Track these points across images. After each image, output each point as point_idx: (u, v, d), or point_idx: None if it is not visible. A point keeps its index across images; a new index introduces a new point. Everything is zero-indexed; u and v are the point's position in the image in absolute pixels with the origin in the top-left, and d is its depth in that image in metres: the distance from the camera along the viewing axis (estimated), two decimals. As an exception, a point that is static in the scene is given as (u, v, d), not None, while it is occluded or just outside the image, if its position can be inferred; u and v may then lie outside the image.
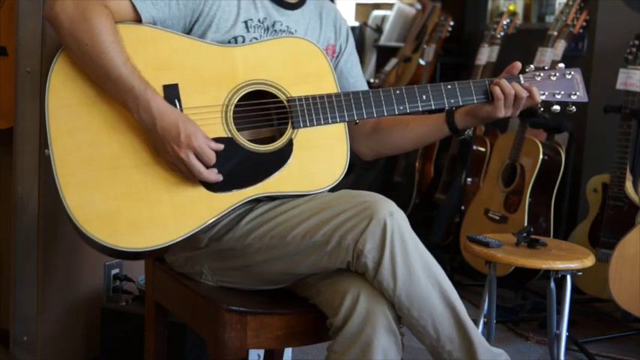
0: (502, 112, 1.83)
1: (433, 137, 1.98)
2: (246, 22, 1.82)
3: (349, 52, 2.02)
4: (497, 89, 1.82)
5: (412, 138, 1.97)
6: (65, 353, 2.39)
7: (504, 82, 1.83)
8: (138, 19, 1.72)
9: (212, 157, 1.68)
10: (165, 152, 1.66)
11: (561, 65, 1.92)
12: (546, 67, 1.91)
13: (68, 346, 2.40)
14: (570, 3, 3.55)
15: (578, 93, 1.89)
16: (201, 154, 1.66)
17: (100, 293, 2.46)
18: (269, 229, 1.72)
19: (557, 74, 1.89)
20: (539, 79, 1.87)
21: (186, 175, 1.68)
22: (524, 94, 1.83)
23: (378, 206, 1.63)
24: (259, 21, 1.84)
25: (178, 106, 1.70)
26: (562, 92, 1.88)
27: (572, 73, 1.90)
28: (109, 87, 1.66)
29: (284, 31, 1.87)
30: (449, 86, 1.83)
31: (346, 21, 2.05)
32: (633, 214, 3.05)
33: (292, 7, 1.91)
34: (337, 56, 1.99)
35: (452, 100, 1.83)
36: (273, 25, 1.86)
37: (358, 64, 2.05)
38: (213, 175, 1.68)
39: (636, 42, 3.13)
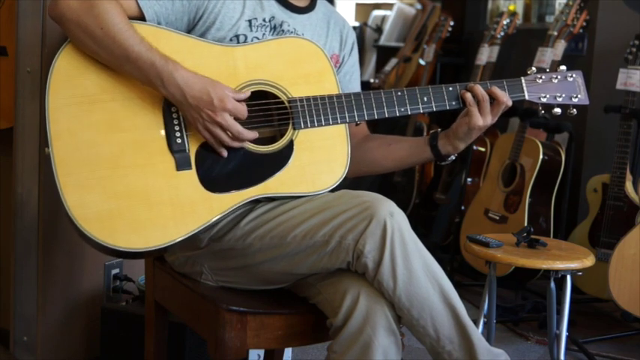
0: (480, 120, 1.80)
1: (415, 159, 1.95)
2: (250, 21, 1.82)
3: (351, 65, 2.01)
4: (468, 95, 1.80)
5: (394, 157, 1.95)
6: (65, 353, 2.39)
7: (478, 88, 1.80)
8: (141, 16, 1.72)
9: (245, 112, 1.70)
10: (200, 119, 1.67)
11: (563, 67, 1.91)
12: (547, 69, 1.90)
13: (68, 346, 2.40)
14: (570, 3, 3.55)
15: (579, 96, 1.89)
16: (236, 112, 1.67)
17: (100, 293, 2.46)
18: (269, 229, 1.72)
19: (559, 77, 1.88)
20: (540, 81, 1.87)
21: (220, 141, 1.68)
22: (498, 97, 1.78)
23: (378, 206, 1.63)
24: (264, 20, 1.84)
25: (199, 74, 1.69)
26: (563, 95, 1.88)
27: (574, 75, 1.90)
28: (128, 68, 1.67)
29: (291, 31, 1.87)
30: (450, 88, 1.83)
31: (354, 34, 2.04)
32: (633, 214, 3.05)
33: (299, 10, 1.90)
34: (339, 67, 1.98)
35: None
36: (281, 25, 1.86)
37: (358, 80, 2.03)
38: (251, 133, 1.71)
39: (636, 42, 3.13)
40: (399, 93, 1.80)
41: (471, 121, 1.80)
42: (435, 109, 1.82)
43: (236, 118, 1.69)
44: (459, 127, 1.83)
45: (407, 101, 1.80)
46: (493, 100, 1.81)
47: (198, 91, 1.66)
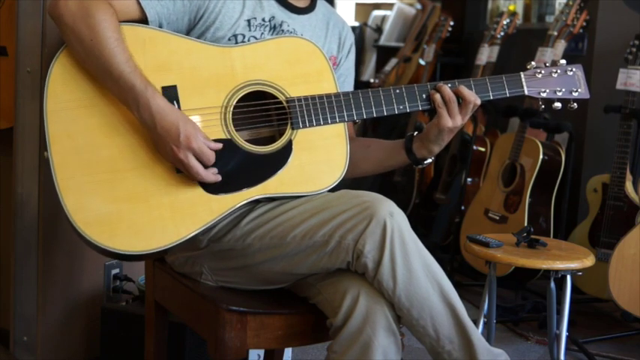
0: (449, 122, 1.78)
1: (393, 162, 1.92)
2: (248, 21, 1.82)
3: (346, 68, 2.00)
4: (437, 96, 1.78)
5: (372, 160, 1.93)
6: (65, 353, 2.39)
7: (445, 88, 1.78)
8: (143, 17, 1.72)
9: (211, 158, 1.67)
10: (165, 152, 1.66)
11: (563, 62, 1.89)
12: (547, 64, 1.89)
13: (68, 346, 2.40)
14: (570, 3, 3.55)
15: (579, 90, 1.88)
16: (200, 154, 1.66)
17: (100, 293, 2.46)
18: (269, 229, 1.72)
19: (559, 71, 1.87)
20: (540, 76, 1.86)
21: (187, 175, 1.68)
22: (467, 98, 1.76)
23: (378, 206, 1.63)
24: (263, 20, 1.84)
25: (177, 108, 1.70)
26: (563, 89, 1.87)
27: (574, 69, 1.88)
28: (110, 85, 1.66)
29: (290, 32, 1.86)
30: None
31: (353, 37, 2.03)
32: (633, 214, 3.05)
33: (299, 11, 1.90)
34: (335, 69, 1.95)
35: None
36: (280, 25, 1.85)
37: (351, 83, 2.02)
38: (212, 176, 1.68)
39: (636, 42, 3.13)
40: (397, 91, 1.80)
41: (439, 122, 1.78)
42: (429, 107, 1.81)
43: (202, 161, 1.66)
44: (430, 130, 1.81)
45: (405, 99, 1.80)
46: (461, 100, 1.79)
47: (169, 123, 1.64)
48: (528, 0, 4.82)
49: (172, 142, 1.64)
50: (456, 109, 1.78)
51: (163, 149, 1.66)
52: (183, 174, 1.68)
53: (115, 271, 2.49)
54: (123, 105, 1.67)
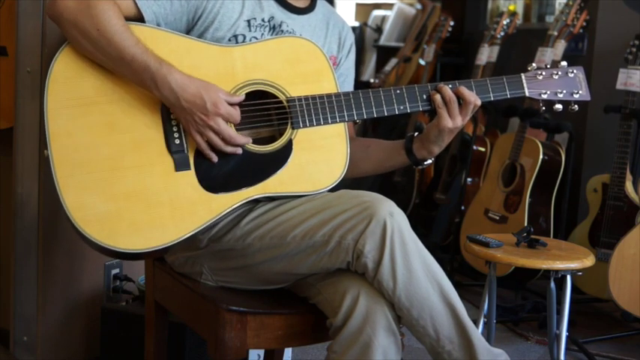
0: (450, 122, 1.78)
1: (393, 162, 1.93)
2: (248, 21, 1.82)
3: (346, 68, 2.00)
4: (437, 97, 1.78)
5: (372, 160, 1.94)
6: (65, 353, 2.39)
7: (446, 88, 1.78)
8: (140, 16, 1.72)
9: (238, 117, 1.70)
10: (193, 122, 1.67)
11: (564, 63, 1.89)
12: (548, 65, 1.89)
13: (68, 346, 2.40)
14: (570, 3, 3.55)
15: (580, 92, 1.87)
16: (228, 117, 1.67)
17: (100, 293, 2.46)
18: (269, 229, 1.72)
19: (560, 73, 1.87)
20: (541, 78, 1.86)
21: (214, 145, 1.68)
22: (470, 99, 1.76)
23: (378, 206, 1.63)
24: (263, 20, 1.84)
25: (194, 77, 1.69)
26: (564, 91, 1.86)
27: (575, 71, 1.88)
28: (124, 70, 1.67)
29: (290, 32, 1.87)
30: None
31: (353, 37, 2.03)
32: (633, 214, 3.05)
33: (299, 11, 1.90)
34: (335, 69, 1.95)
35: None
36: (280, 25, 1.86)
37: (351, 83, 2.02)
38: (243, 138, 1.70)
39: (636, 42, 3.13)
40: (398, 91, 1.80)
41: (440, 123, 1.78)
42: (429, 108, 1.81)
43: (229, 122, 1.68)
44: (430, 130, 1.82)
45: (406, 99, 1.80)
46: (462, 101, 1.78)
47: (192, 95, 1.65)
48: (528, 0, 4.82)
49: (200, 112, 1.65)
50: (457, 109, 1.78)
51: (191, 119, 1.66)
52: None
53: (115, 271, 2.49)
54: (141, 87, 1.68)
